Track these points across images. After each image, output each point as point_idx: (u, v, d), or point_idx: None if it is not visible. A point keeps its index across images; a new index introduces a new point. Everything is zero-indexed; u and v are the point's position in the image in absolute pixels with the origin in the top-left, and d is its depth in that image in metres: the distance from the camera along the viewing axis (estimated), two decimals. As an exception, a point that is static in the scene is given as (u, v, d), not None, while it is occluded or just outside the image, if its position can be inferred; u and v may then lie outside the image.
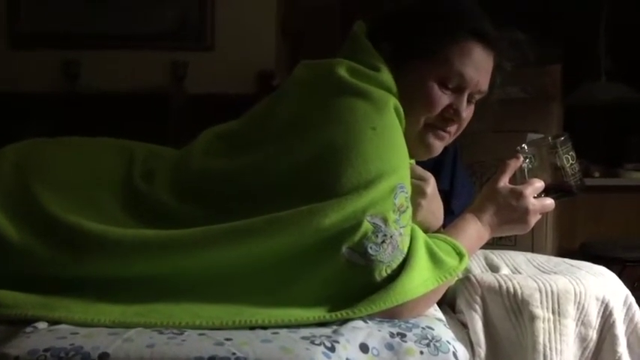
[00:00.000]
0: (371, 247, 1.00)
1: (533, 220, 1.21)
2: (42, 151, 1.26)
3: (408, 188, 1.08)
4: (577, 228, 3.56)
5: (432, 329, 0.99)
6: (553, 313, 1.21)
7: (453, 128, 1.22)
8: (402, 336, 0.96)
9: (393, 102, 1.11)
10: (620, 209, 3.63)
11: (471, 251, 1.16)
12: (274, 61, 3.66)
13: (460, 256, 1.10)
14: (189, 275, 1.04)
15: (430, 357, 0.94)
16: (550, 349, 1.19)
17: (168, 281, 1.04)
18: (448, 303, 1.27)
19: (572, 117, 3.35)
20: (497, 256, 1.49)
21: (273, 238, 1.01)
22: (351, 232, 1.00)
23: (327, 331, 0.95)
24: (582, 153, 1.32)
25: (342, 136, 1.06)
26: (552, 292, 1.22)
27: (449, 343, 0.97)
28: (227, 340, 0.90)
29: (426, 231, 1.12)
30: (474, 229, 1.19)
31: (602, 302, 1.25)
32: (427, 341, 0.95)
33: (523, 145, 1.25)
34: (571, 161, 1.23)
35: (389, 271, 1.01)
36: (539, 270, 1.40)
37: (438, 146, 1.23)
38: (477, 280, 1.23)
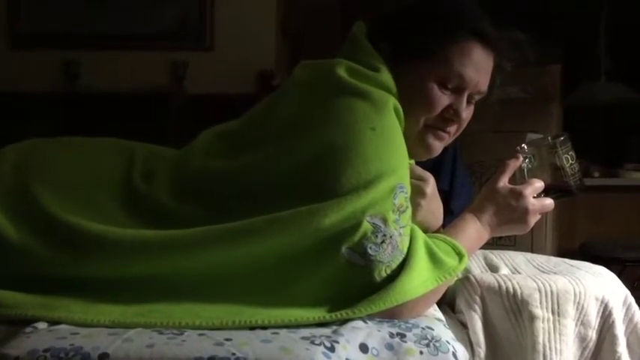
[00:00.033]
0: (370, 248, 1.00)
1: (533, 220, 1.21)
2: (42, 151, 1.26)
3: (408, 188, 1.08)
4: (577, 228, 3.57)
5: (432, 329, 0.99)
6: (553, 313, 1.21)
7: (452, 129, 1.22)
8: (402, 336, 0.96)
9: (392, 102, 1.11)
10: (620, 209, 3.63)
11: (470, 251, 1.16)
12: (274, 61, 3.66)
13: (460, 256, 1.10)
14: (189, 275, 1.04)
15: (430, 357, 0.94)
16: (550, 349, 1.19)
17: (168, 281, 1.04)
18: (448, 303, 1.27)
19: (571, 117, 3.35)
20: (497, 256, 1.49)
21: (272, 238, 1.01)
22: (350, 233, 1.00)
23: (326, 331, 0.95)
24: (582, 153, 1.32)
25: (342, 137, 1.06)
26: (552, 292, 1.22)
27: (448, 343, 0.97)
28: (227, 340, 0.90)
29: (425, 231, 1.12)
30: (474, 229, 1.19)
31: (602, 302, 1.25)
32: (427, 341, 0.95)
33: (523, 145, 1.25)
34: (571, 161, 1.23)
35: (388, 272, 1.01)
36: (539, 270, 1.40)
37: (438, 147, 1.23)
38: (476, 280, 1.23)
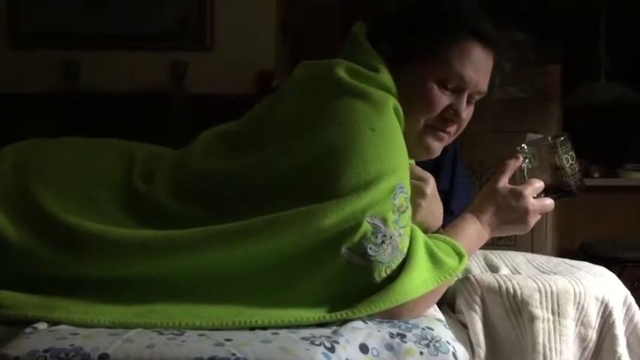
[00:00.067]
0: (370, 248, 1.00)
1: (533, 220, 1.21)
2: (42, 152, 1.26)
3: (408, 189, 1.08)
4: (577, 228, 3.57)
5: (432, 330, 0.99)
6: (553, 313, 1.21)
7: (452, 129, 1.22)
8: (402, 336, 0.96)
9: (392, 103, 1.11)
10: (620, 209, 3.63)
11: (470, 251, 1.16)
12: (274, 62, 3.66)
13: (460, 256, 1.10)
14: (189, 276, 1.04)
15: (430, 357, 0.94)
16: (550, 349, 1.19)
17: (168, 282, 1.04)
18: (448, 303, 1.27)
19: (571, 117, 3.35)
20: (497, 257, 1.49)
21: (272, 238, 1.01)
22: (350, 233, 1.00)
23: (326, 331, 0.95)
24: (582, 153, 1.32)
25: (342, 137, 1.06)
26: (552, 292, 1.22)
27: (448, 343, 0.97)
28: (227, 340, 0.90)
29: (425, 231, 1.12)
30: (474, 230, 1.19)
31: (602, 302, 1.25)
32: (427, 342, 0.95)
33: (523, 145, 1.25)
34: (571, 161, 1.23)
35: (388, 272, 1.01)
36: (539, 270, 1.40)
37: (437, 147, 1.23)
38: (476, 280, 1.23)
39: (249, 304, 1.00)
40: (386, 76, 1.15)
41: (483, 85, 1.22)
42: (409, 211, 1.07)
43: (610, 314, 1.26)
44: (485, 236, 1.21)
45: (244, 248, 1.01)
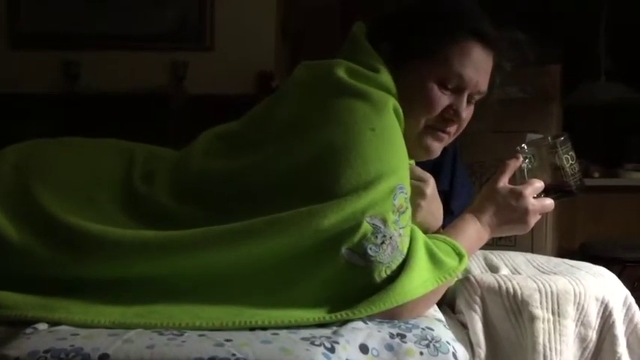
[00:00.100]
0: (370, 248, 1.00)
1: (533, 220, 1.21)
2: (42, 152, 1.26)
3: (408, 189, 1.08)
4: (577, 228, 3.57)
5: (432, 330, 0.99)
6: (553, 313, 1.21)
7: (452, 129, 1.22)
8: (402, 337, 0.96)
9: (392, 103, 1.11)
10: (620, 209, 3.63)
11: (470, 251, 1.16)
12: (274, 62, 3.66)
13: (460, 256, 1.10)
14: (189, 276, 1.04)
15: (430, 357, 0.94)
16: (550, 349, 1.19)
17: (168, 282, 1.04)
18: (448, 303, 1.27)
19: (571, 117, 3.35)
20: (497, 257, 1.49)
21: (272, 239, 1.01)
22: (350, 233, 1.00)
23: (326, 332, 0.95)
24: (582, 153, 1.32)
25: (341, 137, 1.06)
26: (552, 292, 1.22)
27: (448, 343, 0.97)
28: (227, 341, 0.90)
29: (425, 232, 1.12)
30: (474, 230, 1.19)
31: (602, 303, 1.26)
32: (427, 342, 0.95)
33: (523, 145, 1.25)
34: (571, 161, 1.23)
35: (388, 272, 1.01)
36: (539, 270, 1.40)
37: (437, 148, 1.23)
38: (476, 280, 1.23)
39: (249, 305, 1.00)
40: (386, 77, 1.15)
41: (483, 85, 1.22)
42: (409, 212, 1.07)
43: (610, 314, 1.26)
44: (485, 236, 1.21)
45: (244, 249, 1.01)
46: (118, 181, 1.19)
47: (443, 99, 1.18)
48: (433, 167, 1.41)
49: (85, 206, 1.13)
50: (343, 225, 1.00)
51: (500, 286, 1.22)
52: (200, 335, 0.92)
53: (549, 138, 1.24)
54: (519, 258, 1.49)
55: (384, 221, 1.01)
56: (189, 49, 3.69)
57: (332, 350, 0.89)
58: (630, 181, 3.73)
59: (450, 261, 1.08)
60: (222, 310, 0.99)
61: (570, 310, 1.22)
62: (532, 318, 1.20)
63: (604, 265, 1.41)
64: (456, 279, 1.21)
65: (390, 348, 0.93)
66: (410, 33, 1.21)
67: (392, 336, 0.95)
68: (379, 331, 0.96)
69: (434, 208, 1.20)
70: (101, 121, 3.07)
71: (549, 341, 1.19)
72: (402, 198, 1.05)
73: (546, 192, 1.23)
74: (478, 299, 1.22)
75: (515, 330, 1.21)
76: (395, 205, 1.03)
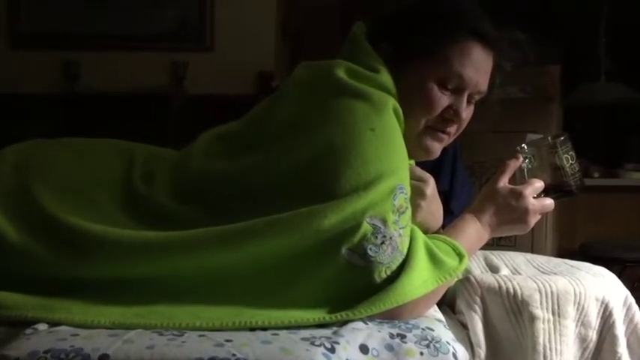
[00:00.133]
0: (370, 249, 1.00)
1: (533, 220, 1.21)
2: (42, 152, 1.26)
3: (408, 189, 1.08)
4: (577, 228, 3.57)
5: (432, 330, 0.99)
6: (553, 313, 1.21)
7: (452, 129, 1.22)
8: (402, 337, 0.96)
9: (392, 103, 1.11)
10: (620, 209, 3.64)
11: (470, 252, 1.16)
12: (274, 62, 3.66)
13: (460, 256, 1.10)
14: (189, 276, 1.04)
15: (430, 358, 0.94)
16: (550, 349, 1.19)
17: (168, 282, 1.04)
18: (448, 304, 1.27)
19: (571, 117, 3.35)
20: (497, 257, 1.49)
21: (272, 239, 1.01)
22: (350, 234, 1.00)
23: (327, 332, 0.95)
24: (582, 153, 1.32)
25: (341, 138, 1.06)
26: (552, 292, 1.22)
27: (449, 343, 0.97)
28: (227, 341, 0.90)
29: (425, 232, 1.12)
30: (474, 230, 1.19)
31: (602, 303, 1.26)
32: (427, 342, 0.95)
33: (523, 145, 1.25)
34: (571, 161, 1.23)
35: (388, 272, 1.01)
36: (539, 271, 1.40)
37: (437, 148, 1.23)
38: (476, 280, 1.23)
39: (249, 305, 1.00)
40: (386, 77, 1.15)
41: (483, 85, 1.22)
42: (409, 212, 1.07)
43: (610, 314, 1.26)
44: (486, 236, 1.21)
45: (245, 249, 1.01)
46: (118, 181, 1.19)
47: (443, 99, 1.18)
48: (433, 167, 1.41)
49: (85, 206, 1.13)
50: (343, 225, 1.00)
51: (500, 287, 1.22)
52: (200, 335, 0.92)
53: (549, 138, 1.24)
54: (519, 258, 1.49)
55: (384, 221, 1.01)
56: (189, 49, 3.70)
57: (332, 350, 0.89)
58: (630, 181, 3.73)
59: (450, 261, 1.08)
60: (222, 311, 0.99)
61: (570, 311, 1.22)
62: (532, 318, 1.20)
63: (604, 266, 1.41)
64: (456, 279, 1.21)
65: (390, 348, 0.93)
66: (410, 33, 1.21)
67: (392, 336, 0.95)
68: (379, 332, 0.96)
69: (434, 208, 1.20)
70: (101, 121, 3.07)
71: (549, 341, 1.19)
72: (402, 198, 1.05)
73: (546, 192, 1.23)
74: (478, 299, 1.22)
75: (516, 330, 1.21)
76: (395, 205, 1.03)
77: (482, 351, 1.20)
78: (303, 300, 1.01)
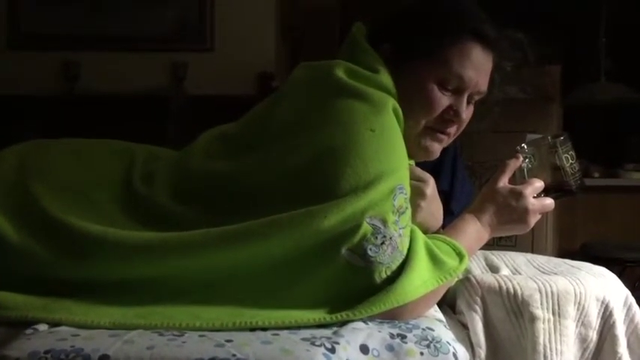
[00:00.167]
0: (370, 249, 1.00)
1: (533, 220, 1.21)
2: (42, 153, 1.26)
3: (407, 189, 1.08)
4: (577, 228, 3.57)
5: (433, 330, 0.99)
6: (553, 313, 1.21)
7: (452, 130, 1.22)
8: (403, 337, 0.96)
9: (391, 103, 1.11)
10: (620, 209, 3.64)
11: (470, 252, 1.16)
12: (274, 63, 3.66)
13: (460, 256, 1.10)
14: (189, 277, 1.04)
15: (430, 358, 0.94)
16: (550, 349, 1.19)
17: (169, 283, 1.04)
18: (448, 304, 1.27)
19: (571, 117, 3.35)
20: (498, 257, 1.49)
21: (272, 240, 1.01)
22: (350, 234, 1.00)
23: (327, 332, 0.95)
24: (582, 153, 1.32)
25: (341, 138, 1.06)
26: (552, 292, 1.22)
27: (449, 344, 0.97)
28: (227, 341, 0.90)
29: (425, 232, 1.12)
30: (474, 230, 1.19)
31: (603, 303, 1.26)
32: (427, 342, 0.95)
33: (523, 145, 1.25)
34: (571, 161, 1.23)
35: (389, 273, 1.01)
36: (540, 271, 1.40)
37: (437, 149, 1.23)
38: (477, 280, 1.23)
39: (249, 305, 1.00)
40: (385, 77, 1.15)
41: (483, 85, 1.22)
42: (409, 212, 1.06)
43: (610, 315, 1.26)
44: (486, 236, 1.21)
45: (245, 249, 1.01)
46: (118, 181, 1.19)
47: (443, 100, 1.18)
48: (433, 167, 1.41)
49: (85, 207, 1.13)
50: (343, 226, 1.00)
51: (500, 287, 1.22)
52: (200, 336, 0.92)
53: (549, 138, 1.24)
54: (520, 258, 1.49)
55: (384, 222, 1.01)
56: (189, 49, 3.69)
57: (332, 351, 0.89)
58: (630, 181, 3.73)
59: (451, 261, 1.08)
60: (222, 311, 0.99)
61: (571, 311, 1.22)
62: (532, 318, 1.20)
63: (604, 266, 1.42)
64: (456, 279, 1.21)
65: (390, 348, 0.93)
66: (410, 34, 1.21)
67: (392, 336, 0.95)
68: (379, 332, 0.96)
69: (434, 208, 1.20)
70: (101, 121, 3.06)
71: (550, 341, 1.19)
72: (402, 198, 1.05)
73: (546, 192, 1.23)
74: (479, 299, 1.22)
75: (516, 330, 1.21)
76: (395, 205, 1.03)
77: (482, 351, 1.20)
78: (303, 300, 1.01)
